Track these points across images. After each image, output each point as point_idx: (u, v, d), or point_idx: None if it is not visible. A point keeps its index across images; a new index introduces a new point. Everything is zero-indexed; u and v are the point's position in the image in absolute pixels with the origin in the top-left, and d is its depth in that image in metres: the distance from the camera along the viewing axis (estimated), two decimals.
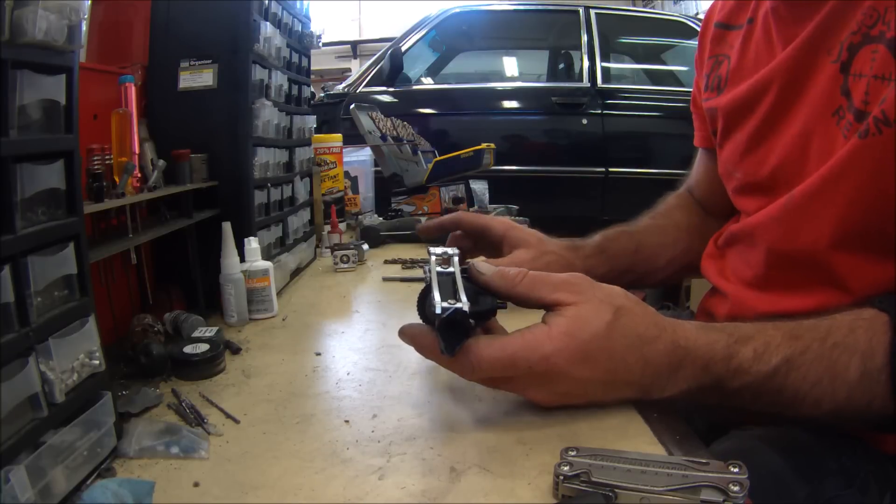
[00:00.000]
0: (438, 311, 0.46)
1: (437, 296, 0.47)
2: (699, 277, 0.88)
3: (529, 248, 0.80)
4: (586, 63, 2.99)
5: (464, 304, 0.47)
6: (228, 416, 0.54)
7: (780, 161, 0.65)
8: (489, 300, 0.52)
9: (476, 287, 0.52)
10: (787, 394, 0.49)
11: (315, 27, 1.15)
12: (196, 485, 0.43)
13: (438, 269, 0.53)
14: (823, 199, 0.57)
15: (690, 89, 0.90)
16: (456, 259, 0.54)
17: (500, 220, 0.84)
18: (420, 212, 1.59)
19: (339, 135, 1.57)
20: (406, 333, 0.52)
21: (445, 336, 0.46)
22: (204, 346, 0.64)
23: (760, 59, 0.68)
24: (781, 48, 0.64)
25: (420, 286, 0.57)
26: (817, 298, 0.60)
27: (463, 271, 0.53)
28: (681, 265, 0.88)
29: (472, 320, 0.47)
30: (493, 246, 0.83)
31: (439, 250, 0.55)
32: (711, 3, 0.83)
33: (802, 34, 0.61)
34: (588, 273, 0.65)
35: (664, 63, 3.37)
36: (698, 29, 0.86)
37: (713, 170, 0.85)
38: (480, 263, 0.55)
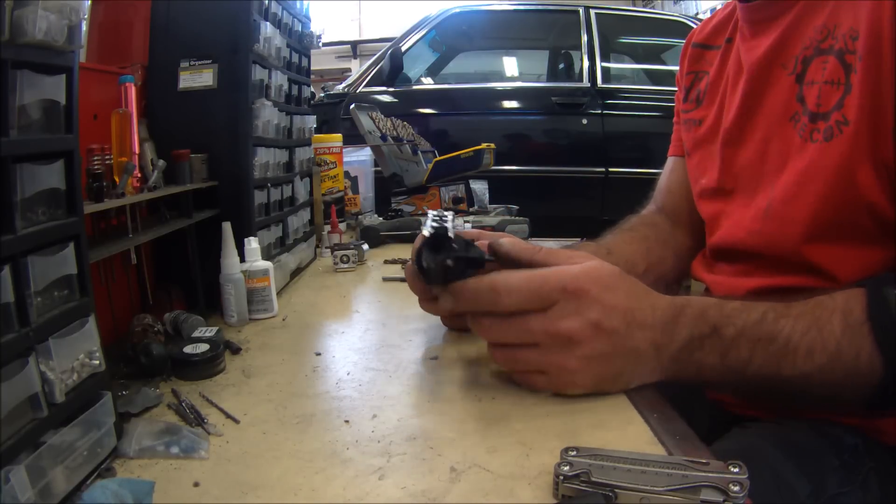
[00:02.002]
0: (426, 232, 0.51)
1: (427, 224, 0.53)
2: (678, 287, 0.91)
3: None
4: (586, 63, 2.99)
5: (450, 229, 0.52)
6: (228, 416, 0.54)
7: (740, 167, 0.72)
8: (478, 251, 0.56)
9: (467, 242, 0.56)
10: (780, 342, 0.52)
11: (315, 27, 1.15)
12: (196, 485, 0.43)
13: (433, 224, 0.56)
14: (798, 202, 0.62)
15: None
16: (450, 217, 0.59)
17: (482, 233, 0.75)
18: (420, 212, 1.59)
19: (339, 135, 1.57)
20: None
21: (430, 247, 0.51)
22: (204, 346, 0.64)
23: (732, 74, 0.75)
24: (747, 64, 0.71)
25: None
26: (803, 281, 0.64)
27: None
28: (658, 275, 0.87)
29: (456, 258, 0.52)
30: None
31: (435, 211, 0.60)
32: (711, 5, 0.86)
33: (760, 51, 0.68)
34: None
35: (664, 63, 3.36)
36: None
37: (682, 175, 0.89)
38: (502, 239, 0.58)
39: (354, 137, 1.66)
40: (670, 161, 0.94)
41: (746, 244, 0.70)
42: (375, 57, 3.06)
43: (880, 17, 0.54)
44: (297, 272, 1.06)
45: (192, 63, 0.82)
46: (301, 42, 1.09)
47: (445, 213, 0.61)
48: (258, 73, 0.86)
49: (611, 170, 2.91)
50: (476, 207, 1.63)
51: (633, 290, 0.54)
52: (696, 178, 0.82)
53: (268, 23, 0.88)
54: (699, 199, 0.81)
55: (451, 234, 0.52)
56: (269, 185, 0.91)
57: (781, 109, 0.65)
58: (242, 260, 0.80)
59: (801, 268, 0.63)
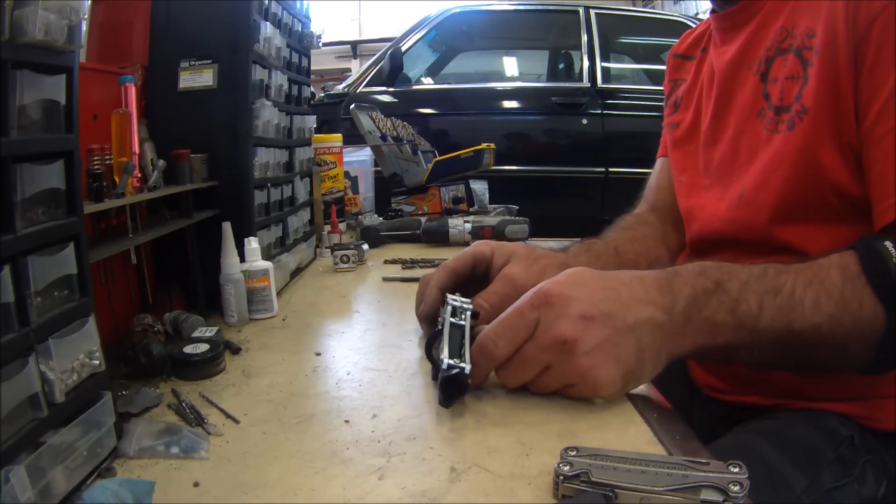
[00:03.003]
0: (444, 367, 0.51)
1: (445, 350, 0.53)
2: None
3: (519, 259, 0.74)
4: (586, 63, 2.99)
5: (467, 365, 0.52)
6: (228, 416, 0.54)
7: (717, 162, 0.76)
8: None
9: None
10: (785, 294, 0.52)
11: (315, 27, 1.15)
12: (196, 485, 0.43)
13: (452, 319, 0.57)
14: (766, 187, 0.66)
15: None
16: (468, 314, 0.59)
17: (484, 243, 0.76)
18: (420, 212, 1.59)
19: (339, 135, 1.57)
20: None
21: (445, 389, 0.51)
22: (204, 346, 0.64)
23: (707, 80, 0.80)
24: (717, 69, 0.77)
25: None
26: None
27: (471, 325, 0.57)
28: None
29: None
30: (485, 270, 0.74)
31: (457, 302, 0.61)
32: (703, 7, 0.90)
33: (728, 56, 0.74)
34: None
35: (664, 63, 3.36)
36: None
37: (669, 174, 0.95)
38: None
39: (354, 137, 1.66)
40: (659, 161, 0.99)
41: (721, 233, 0.73)
42: (375, 57, 3.06)
43: (835, 15, 0.59)
44: (297, 272, 1.06)
45: (192, 63, 0.82)
46: (301, 42, 1.09)
47: (465, 305, 0.60)
48: (258, 73, 0.86)
49: (611, 170, 2.91)
50: (476, 207, 1.63)
51: (607, 275, 0.54)
52: (675, 176, 0.88)
53: (268, 23, 0.88)
54: (679, 196, 0.86)
55: (468, 371, 0.52)
56: (269, 185, 0.91)
57: (749, 107, 0.70)
58: (242, 260, 0.80)
59: (775, 249, 0.66)
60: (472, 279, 0.72)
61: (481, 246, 0.75)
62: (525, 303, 0.52)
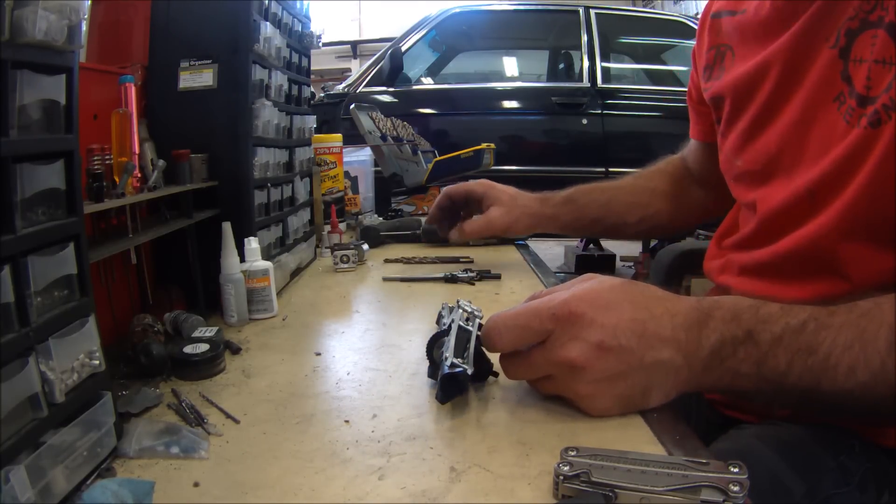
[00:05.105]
0: (448, 365, 0.52)
1: (451, 349, 0.54)
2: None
3: (501, 205, 0.99)
4: (586, 63, 2.99)
5: (469, 367, 0.53)
6: (228, 416, 0.54)
7: (777, 149, 0.65)
8: (488, 365, 0.58)
9: (479, 349, 0.56)
10: (819, 355, 0.47)
11: (315, 27, 1.15)
12: (196, 485, 0.43)
13: (461, 323, 0.58)
14: (832, 190, 0.57)
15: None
16: (479, 321, 0.60)
17: (480, 183, 1.02)
18: (420, 212, 1.59)
19: (339, 135, 1.57)
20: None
21: (445, 387, 0.52)
22: (204, 346, 0.64)
23: (759, 48, 0.68)
24: (785, 37, 0.64)
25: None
26: (817, 287, 0.60)
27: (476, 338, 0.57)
28: (650, 225, 1.02)
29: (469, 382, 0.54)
30: (477, 206, 1.02)
31: (469, 308, 0.62)
32: (703, 7, 0.84)
33: (799, 22, 0.62)
34: (556, 220, 0.98)
35: (664, 63, 3.37)
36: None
37: (699, 153, 0.94)
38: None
39: (354, 137, 1.66)
40: (691, 142, 0.97)
41: (769, 224, 0.66)
42: (375, 57, 3.06)
43: None
44: (297, 272, 1.06)
45: (192, 63, 0.82)
46: (301, 42, 1.09)
47: (476, 312, 0.61)
48: (258, 73, 0.86)
49: (611, 170, 2.91)
50: None
51: (640, 300, 0.50)
52: (730, 161, 0.76)
53: (268, 23, 0.88)
54: (735, 184, 0.76)
55: (469, 373, 0.52)
56: (269, 185, 0.91)
57: (824, 87, 0.59)
58: (242, 260, 0.80)
59: (821, 265, 0.60)
60: (466, 207, 1.03)
61: (476, 185, 1.02)
62: (546, 310, 0.49)
